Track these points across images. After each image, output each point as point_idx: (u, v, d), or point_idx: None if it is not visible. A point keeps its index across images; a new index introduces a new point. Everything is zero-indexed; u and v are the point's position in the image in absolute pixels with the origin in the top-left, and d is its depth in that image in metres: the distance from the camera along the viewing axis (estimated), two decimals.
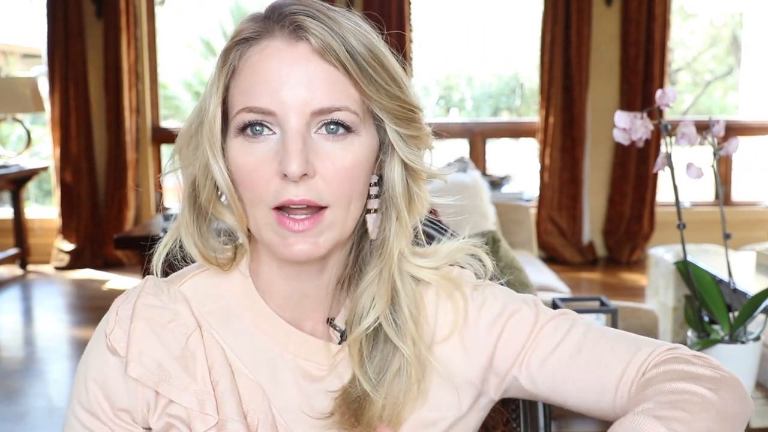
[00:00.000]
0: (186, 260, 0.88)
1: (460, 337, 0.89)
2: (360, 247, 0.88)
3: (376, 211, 0.86)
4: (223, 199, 0.84)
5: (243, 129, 0.79)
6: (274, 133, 0.78)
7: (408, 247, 0.86)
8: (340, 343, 0.87)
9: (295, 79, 0.77)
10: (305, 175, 0.77)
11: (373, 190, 0.85)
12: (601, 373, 0.85)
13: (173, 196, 0.88)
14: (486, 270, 0.91)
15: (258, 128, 0.78)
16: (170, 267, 0.89)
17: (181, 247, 0.87)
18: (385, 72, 0.80)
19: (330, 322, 0.88)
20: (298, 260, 0.80)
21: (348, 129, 0.79)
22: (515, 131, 6.83)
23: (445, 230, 1.04)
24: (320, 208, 0.79)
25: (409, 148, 0.83)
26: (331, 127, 0.79)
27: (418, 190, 0.86)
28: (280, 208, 0.78)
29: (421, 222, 0.89)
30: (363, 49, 0.78)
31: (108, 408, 0.83)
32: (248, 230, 0.84)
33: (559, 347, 0.87)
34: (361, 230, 0.87)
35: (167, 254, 0.88)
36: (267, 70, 0.78)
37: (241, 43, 0.80)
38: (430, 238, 0.97)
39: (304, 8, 0.79)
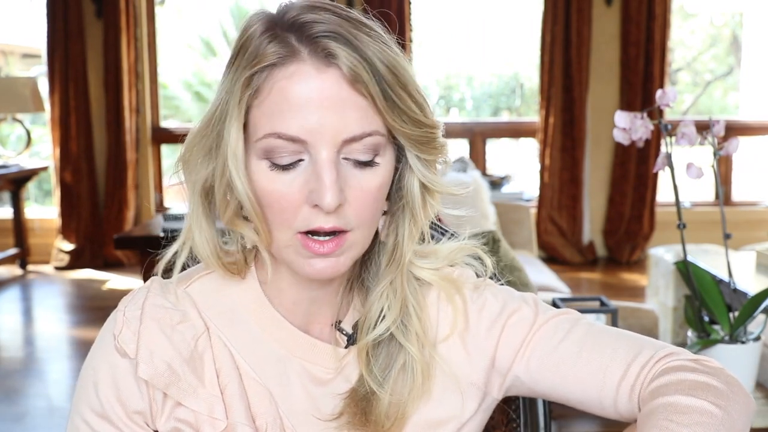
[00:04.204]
0: (191, 261, 0.87)
1: (462, 341, 0.90)
2: (372, 250, 0.88)
3: (385, 213, 0.86)
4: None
5: (269, 154, 0.77)
6: (303, 159, 0.77)
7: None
8: (347, 347, 0.88)
9: (326, 107, 0.75)
10: (339, 205, 0.76)
11: None
12: (602, 373, 0.85)
13: (173, 197, 0.87)
14: (486, 270, 0.92)
15: (287, 159, 0.77)
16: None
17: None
18: (409, 97, 0.78)
19: (337, 325, 0.88)
20: (320, 279, 0.80)
21: (376, 154, 0.79)
22: (515, 131, 6.83)
23: (446, 231, 1.04)
24: (345, 231, 0.79)
25: (427, 170, 0.83)
26: (362, 157, 0.78)
27: (432, 200, 0.86)
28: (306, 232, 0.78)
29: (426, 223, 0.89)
30: (388, 74, 0.76)
31: (122, 411, 0.81)
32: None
33: (560, 347, 0.87)
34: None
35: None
36: (296, 96, 0.75)
37: (266, 68, 0.77)
38: (431, 239, 0.97)
39: (330, 29, 0.76)
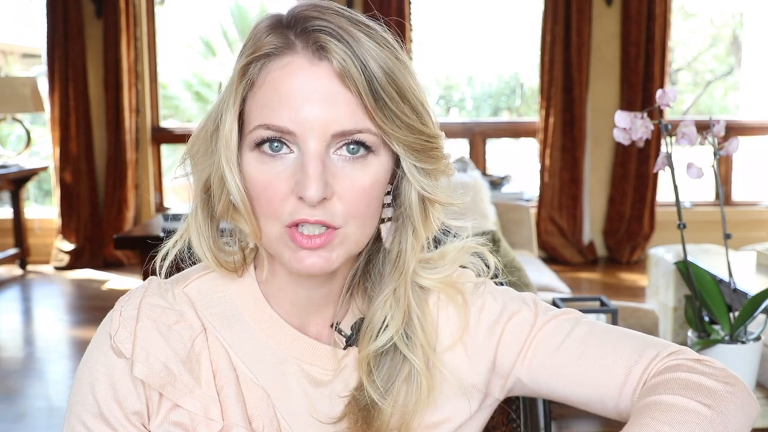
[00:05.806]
0: (191, 260, 0.87)
1: (462, 343, 0.89)
2: (374, 256, 0.87)
3: (390, 219, 0.85)
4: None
5: (260, 144, 0.77)
6: (292, 151, 0.77)
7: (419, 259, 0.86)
8: (345, 348, 0.87)
9: (317, 99, 0.75)
10: (324, 198, 0.76)
11: (387, 199, 0.84)
12: (604, 376, 0.85)
13: (174, 196, 0.87)
14: (489, 269, 0.91)
15: (276, 145, 0.77)
16: (177, 268, 0.88)
17: (189, 248, 0.86)
18: (404, 102, 0.77)
19: (336, 327, 0.88)
20: (309, 274, 0.79)
21: (368, 149, 0.78)
22: (515, 131, 6.83)
23: (448, 231, 1.04)
24: (334, 228, 0.78)
25: (425, 179, 0.82)
26: (352, 147, 0.77)
27: (433, 210, 0.85)
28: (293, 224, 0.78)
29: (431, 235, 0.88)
30: (382, 75, 0.76)
31: (119, 413, 0.80)
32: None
33: (561, 348, 0.87)
34: (374, 238, 0.86)
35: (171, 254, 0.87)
36: (288, 87, 0.76)
37: (261, 57, 0.78)
38: (435, 241, 0.96)
39: (327, 25, 0.76)
